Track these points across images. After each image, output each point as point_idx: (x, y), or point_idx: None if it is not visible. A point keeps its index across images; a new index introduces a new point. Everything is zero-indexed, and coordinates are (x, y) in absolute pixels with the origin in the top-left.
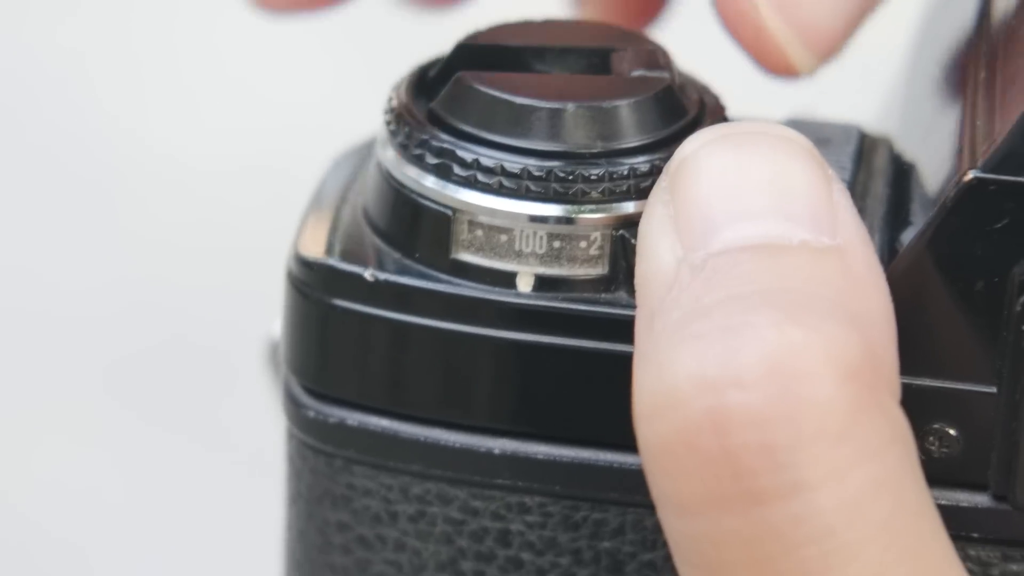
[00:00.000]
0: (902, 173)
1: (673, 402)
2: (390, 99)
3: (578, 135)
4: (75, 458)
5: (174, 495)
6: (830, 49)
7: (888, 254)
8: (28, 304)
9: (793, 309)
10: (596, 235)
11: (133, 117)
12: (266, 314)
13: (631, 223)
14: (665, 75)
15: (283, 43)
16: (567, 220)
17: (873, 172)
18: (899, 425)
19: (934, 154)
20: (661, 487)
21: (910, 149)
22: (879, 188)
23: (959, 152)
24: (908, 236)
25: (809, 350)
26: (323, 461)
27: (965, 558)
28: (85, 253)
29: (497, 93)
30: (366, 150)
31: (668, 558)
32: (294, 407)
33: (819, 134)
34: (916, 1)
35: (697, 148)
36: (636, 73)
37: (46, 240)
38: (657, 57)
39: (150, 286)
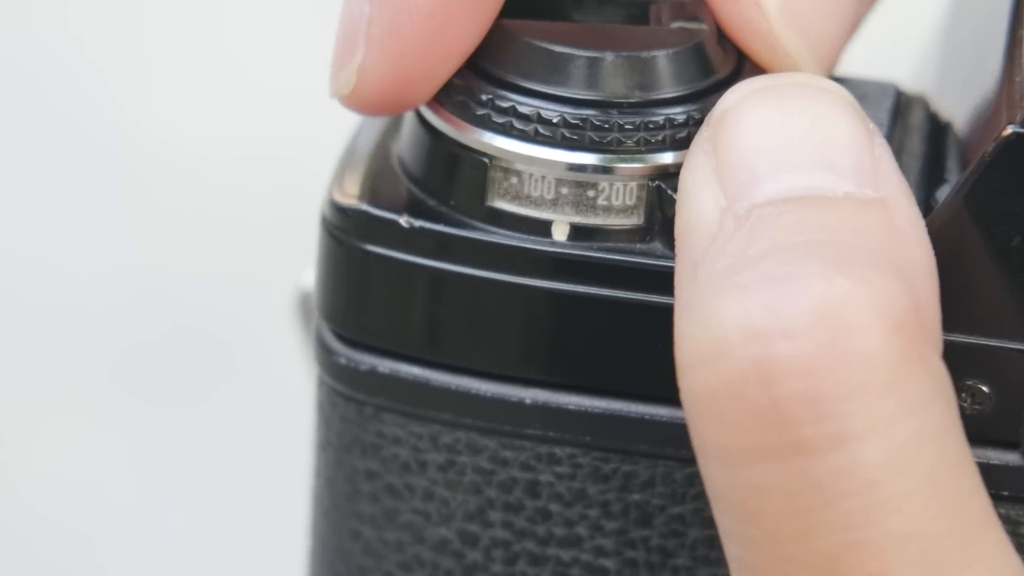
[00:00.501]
0: (938, 131)
1: (720, 351)
2: None
3: (616, 84)
4: (82, 447)
5: (181, 483)
6: (835, 59)
7: (924, 210)
8: (35, 293)
9: (840, 260)
10: (632, 185)
11: (139, 105)
12: (275, 302)
13: (667, 174)
14: (703, 27)
15: (290, 30)
16: (603, 169)
17: (909, 129)
18: (942, 379)
19: (970, 112)
20: (704, 436)
21: (946, 107)
22: (915, 145)
23: (997, 109)
24: (944, 193)
25: (857, 301)
26: (353, 408)
27: None
28: (91, 242)
29: (536, 41)
30: None
31: (697, 511)
32: (325, 354)
33: (855, 91)
34: None
35: (740, 99)
36: (675, 24)
37: (52, 229)
38: (696, 9)
39: (157, 275)
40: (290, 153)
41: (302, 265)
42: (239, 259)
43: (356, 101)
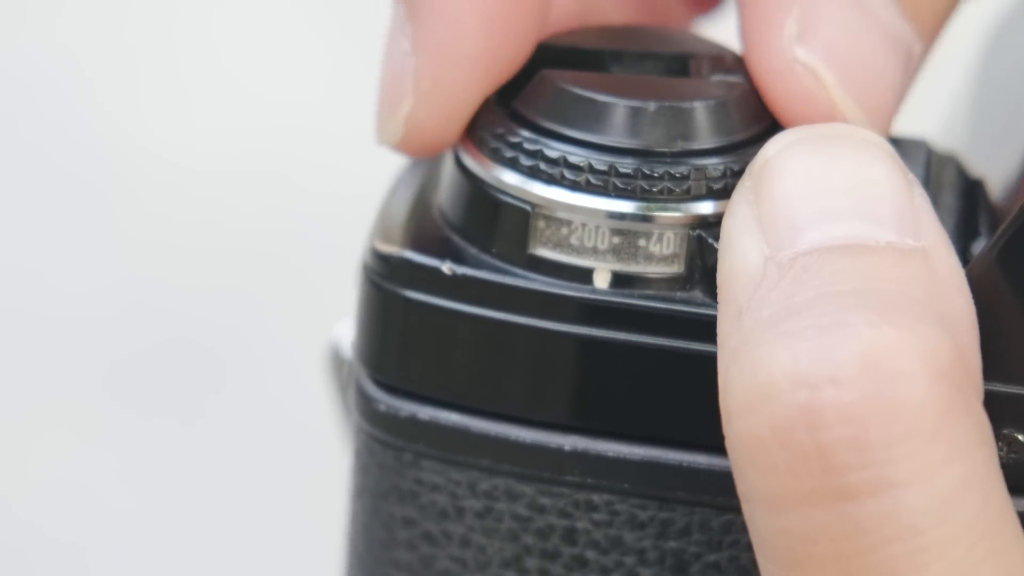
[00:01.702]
0: (970, 187)
1: (767, 397)
2: None
3: (658, 134)
4: (75, 458)
5: (173, 494)
6: (888, 129)
7: (961, 262)
8: (27, 304)
9: (885, 309)
10: (672, 234)
11: (130, 117)
12: (267, 314)
13: (707, 223)
14: (742, 80)
15: (281, 43)
16: (644, 218)
17: (942, 185)
18: (985, 427)
19: (1004, 166)
20: (751, 482)
21: (977, 164)
22: (948, 200)
23: None
24: (979, 247)
25: (903, 350)
26: (392, 455)
27: None
28: (82, 253)
29: (579, 90)
30: None
31: (733, 559)
32: (365, 401)
33: None
34: (980, 18)
35: (781, 149)
36: (715, 78)
37: (45, 241)
38: (734, 63)
39: (149, 286)
40: (279, 166)
41: (292, 278)
42: (229, 271)
43: (406, 148)
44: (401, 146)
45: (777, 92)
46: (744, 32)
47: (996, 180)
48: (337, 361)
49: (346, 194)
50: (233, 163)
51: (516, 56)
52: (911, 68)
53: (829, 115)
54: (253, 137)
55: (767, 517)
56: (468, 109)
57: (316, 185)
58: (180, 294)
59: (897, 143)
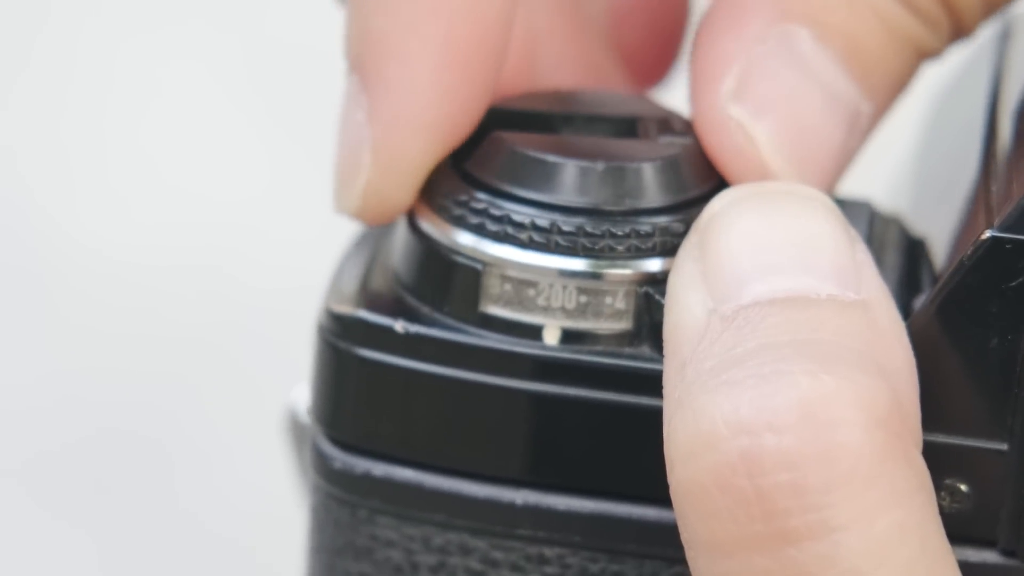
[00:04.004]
0: (912, 246)
1: (708, 444)
2: None
3: (607, 193)
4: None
5: None
6: (829, 181)
7: (903, 317)
8: None
9: (824, 359)
10: (621, 291)
11: (64, 212)
12: (201, 402)
13: (655, 280)
14: (689, 141)
15: (217, 138)
16: (594, 275)
17: (886, 244)
18: (923, 474)
19: (947, 224)
20: (693, 528)
21: (920, 224)
22: (892, 258)
23: (974, 216)
24: (921, 301)
25: (841, 397)
26: (347, 512)
27: None
28: (16, 346)
29: (529, 151)
30: None
31: None
32: (320, 459)
33: None
34: (924, 84)
35: (725, 206)
36: (663, 139)
37: None
38: (682, 125)
39: (81, 378)
40: (214, 259)
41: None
42: (166, 362)
43: (365, 217)
44: (360, 215)
45: (713, 147)
46: (689, 87)
47: (937, 241)
48: (294, 425)
49: (282, 286)
50: (168, 256)
51: (470, 122)
52: (859, 128)
53: (760, 172)
54: (187, 231)
55: (710, 563)
56: (423, 175)
57: (252, 277)
58: (114, 385)
59: (841, 204)
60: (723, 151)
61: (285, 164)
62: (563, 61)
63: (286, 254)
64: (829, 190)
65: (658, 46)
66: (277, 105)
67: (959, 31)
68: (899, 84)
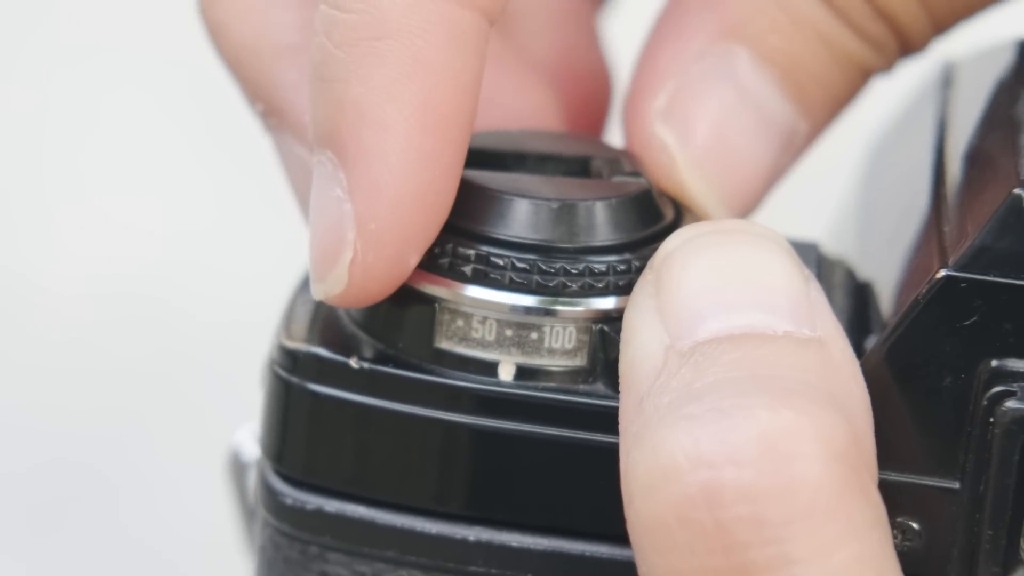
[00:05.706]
0: (859, 289)
1: (668, 477)
2: None
3: (560, 231)
4: None
5: None
6: (749, 205)
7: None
8: None
9: (783, 394)
10: (575, 327)
11: (3, 246)
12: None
13: (610, 318)
14: (643, 180)
15: (158, 171)
16: (547, 312)
17: (833, 286)
18: (879, 508)
19: (895, 267)
20: (651, 562)
21: (866, 267)
22: (840, 299)
23: (927, 257)
24: (871, 343)
25: (800, 432)
26: (298, 549)
27: None
28: None
29: (484, 188)
30: None
31: None
32: (270, 495)
33: None
34: (868, 127)
35: (680, 244)
36: (616, 179)
37: None
38: (634, 165)
39: (26, 411)
40: (158, 291)
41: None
42: (108, 394)
43: (351, 296)
44: (345, 295)
45: (642, 164)
46: (625, 99)
47: (889, 278)
48: (237, 465)
49: (228, 320)
50: (113, 288)
51: (452, 187)
52: (794, 146)
53: (678, 190)
54: (133, 264)
55: None
56: (420, 247)
57: (198, 310)
58: (63, 418)
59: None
60: (649, 168)
61: (234, 196)
62: (506, 102)
63: (233, 288)
64: (751, 208)
65: (591, 101)
66: (224, 135)
67: (906, 48)
68: (840, 102)
